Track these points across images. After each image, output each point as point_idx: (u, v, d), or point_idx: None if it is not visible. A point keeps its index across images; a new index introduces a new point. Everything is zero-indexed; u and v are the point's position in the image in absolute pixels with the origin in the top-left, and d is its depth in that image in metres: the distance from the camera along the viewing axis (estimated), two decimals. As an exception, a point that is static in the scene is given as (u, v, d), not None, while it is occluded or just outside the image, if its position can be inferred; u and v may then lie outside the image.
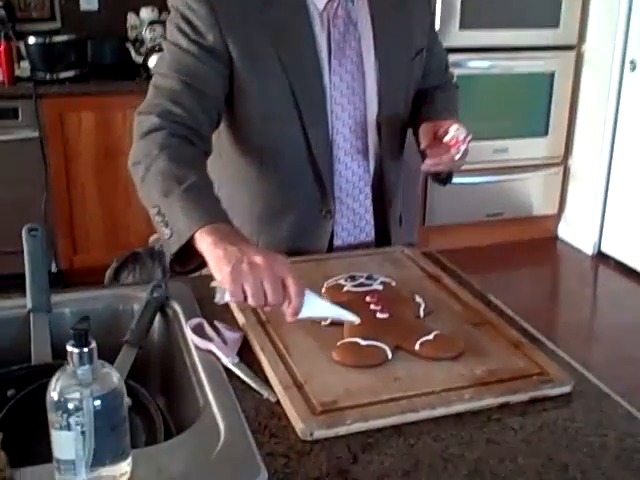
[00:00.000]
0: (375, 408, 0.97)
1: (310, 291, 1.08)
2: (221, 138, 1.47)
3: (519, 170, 4.18)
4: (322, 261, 1.43)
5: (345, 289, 1.26)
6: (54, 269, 3.52)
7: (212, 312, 1.21)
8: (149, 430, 1.12)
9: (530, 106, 4.11)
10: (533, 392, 1.02)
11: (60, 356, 1.18)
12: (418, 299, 1.23)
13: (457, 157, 1.36)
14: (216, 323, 1.18)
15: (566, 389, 1.03)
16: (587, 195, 4.22)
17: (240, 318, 1.20)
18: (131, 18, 3.69)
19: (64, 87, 3.39)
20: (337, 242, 1.50)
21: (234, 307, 1.22)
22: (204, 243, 1.09)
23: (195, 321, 1.19)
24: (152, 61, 3.37)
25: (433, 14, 1.69)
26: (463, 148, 1.35)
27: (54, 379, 0.83)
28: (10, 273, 2.80)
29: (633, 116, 3.88)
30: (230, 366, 1.09)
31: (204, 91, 1.33)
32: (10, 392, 1.10)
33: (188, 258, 1.16)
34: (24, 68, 3.37)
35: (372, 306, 1.19)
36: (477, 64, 3.90)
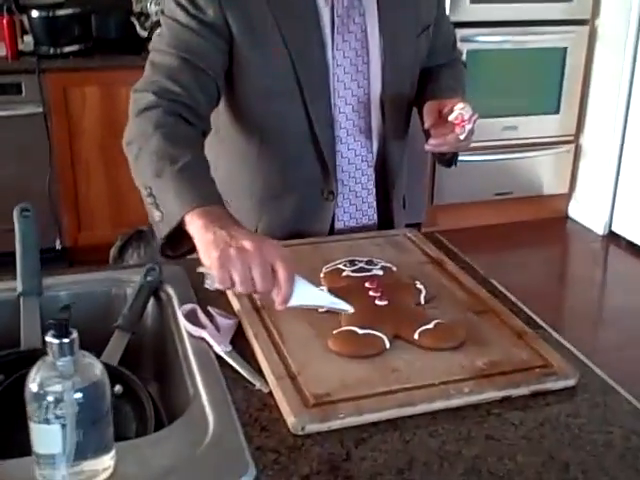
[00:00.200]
0: (370, 401, 0.93)
1: (301, 278, 1.04)
2: (220, 115, 1.43)
3: (529, 148, 4.11)
4: (322, 244, 1.39)
5: (344, 274, 1.22)
6: (58, 246, 3.50)
7: (207, 297, 1.17)
8: (140, 418, 1.10)
9: (541, 82, 4.04)
10: (535, 385, 0.98)
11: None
12: (419, 285, 1.18)
13: (462, 137, 1.30)
14: (210, 309, 1.14)
15: (570, 382, 0.99)
16: (599, 174, 4.15)
17: (235, 304, 1.16)
18: (136, -9, 3.63)
19: (68, 61, 3.34)
20: (338, 225, 1.46)
21: (229, 292, 1.18)
22: (194, 226, 1.05)
23: (188, 307, 1.15)
24: (157, 35, 3.32)
25: (442, -12, 1.61)
26: (469, 127, 1.30)
27: (34, 370, 0.80)
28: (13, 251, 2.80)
29: (647, 94, 3.81)
30: (222, 354, 1.05)
31: (203, 68, 1.28)
32: (-2, 378, 1.07)
33: (180, 242, 1.12)
34: (27, 42, 3.33)
35: (371, 292, 1.15)
36: (488, 39, 3.82)
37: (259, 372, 1.01)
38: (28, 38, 3.33)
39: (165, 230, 1.10)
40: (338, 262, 1.25)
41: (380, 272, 1.22)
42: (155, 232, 1.14)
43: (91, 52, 3.43)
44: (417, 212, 3.98)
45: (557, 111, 4.11)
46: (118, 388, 1.14)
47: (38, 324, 1.17)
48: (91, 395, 0.80)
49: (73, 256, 3.54)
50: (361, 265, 1.24)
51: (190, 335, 1.10)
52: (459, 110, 1.29)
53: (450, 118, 1.30)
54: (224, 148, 1.46)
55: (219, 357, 1.05)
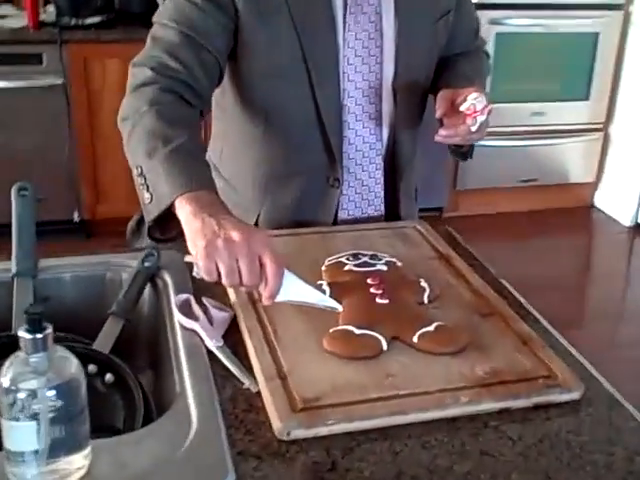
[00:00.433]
0: (361, 408, 0.89)
1: (291, 272, 1.00)
2: (225, 95, 1.38)
3: (557, 135, 4.01)
4: (327, 234, 1.34)
5: (346, 268, 1.17)
6: (76, 218, 3.49)
7: (203, 286, 1.11)
8: (129, 408, 1.07)
9: (571, 68, 3.93)
10: (537, 397, 0.93)
11: (43, 325, 1.13)
12: (423, 284, 1.13)
13: (473, 129, 1.23)
14: (204, 300, 1.10)
15: (574, 395, 0.94)
16: (627, 164, 4.04)
17: (231, 295, 1.12)
18: (160, -38, 3.58)
19: (90, 33, 3.30)
20: (342, 215, 1.41)
21: (226, 282, 1.14)
22: (183, 212, 1.01)
23: (182, 297, 1.12)
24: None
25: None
26: (481, 119, 1.23)
27: (6, 364, 0.77)
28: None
29: (681, 83, 3.70)
30: (213, 349, 1.02)
31: (205, 45, 1.23)
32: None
33: (169, 225, 1.08)
34: (49, 12, 3.29)
35: (372, 289, 1.10)
36: (517, 22, 3.71)
37: (250, 370, 0.98)
38: (50, 8, 3.29)
39: (154, 213, 1.06)
40: (341, 255, 1.21)
41: (384, 267, 1.17)
42: (144, 214, 1.10)
43: (113, 24, 3.39)
44: (439, 196, 3.92)
45: (587, 98, 4.00)
46: (109, 377, 1.12)
47: (31, 307, 1.15)
48: (65, 392, 0.77)
49: (91, 229, 3.53)
50: (365, 259, 1.19)
51: (183, 327, 1.07)
52: (472, 100, 1.22)
53: (461, 108, 1.23)
54: (230, 130, 1.42)
55: (210, 352, 1.01)
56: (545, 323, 1.11)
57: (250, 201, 1.41)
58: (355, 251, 1.22)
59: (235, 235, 0.95)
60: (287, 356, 0.98)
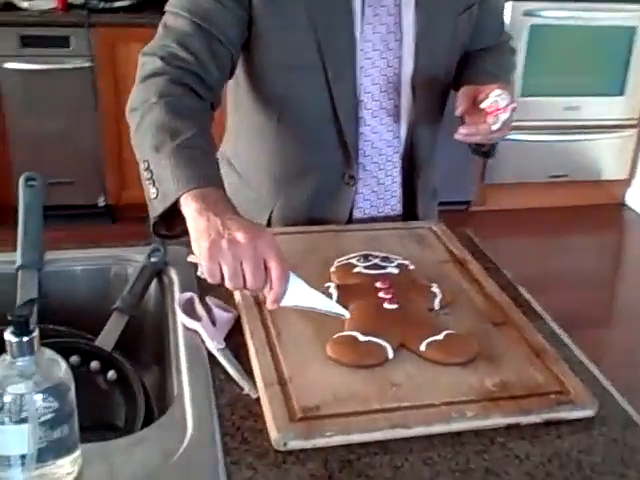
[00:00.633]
0: (362, 419, 0.85)
1: (296, 276, 0.97)
2: (239, 88, 1.35)
3: (590, 130, 3.93)
4: (340, 233, 1.30)
5: (356, 270, 1.13)
6: (101, 203, 3.49)
7: (209, 285, 1.06)
8: (130, 407, 1.06)
9: (607, 62, 3.84)
10: (548, 414, 0.89)
11: (46, 318, 1.11)
12: (434, 289, 1.09)
13: (495, 127, 1.18)
14: (208, 300, 1.07)
15: (588, 413, 0.90)
16: (661, 161, 3.96)
17: (237, 295, 1.09)
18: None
19: (117, 16, 3.30)
20: (357, 214, 1.37)
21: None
22: (188, 209, 0.98)
23: (186, 296, 1.09)
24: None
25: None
26: (504, 117, 1.18)
27: (-8, 368, 0.74)
28: (58, 204, 2.77)
29: None
30: (214, 352, 0.99)
31: (217, 36, 1.19)
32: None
33: (174, 221, 1.05)
34: (78, -5, 3.28)
35: (381, 293, 1.06)
36: (552, 14, 3.63)
37: (251, 374, 0.95)
38: (79, -9, 3.29)
39: (159, 209, 1.03)
40: (351, 256, 1.17)
41: (395, 270, 1.13)
42: (149, 210, 1.07)
43: (141, 8, 3.37)
44: (466, 190, 3.86)
45: (622, 93, 3.91)
46: (111, 374, 1.10)
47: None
48: (54, 396, 0.75)
49: (116, 214, 3.53)
50: (375, 261, 1.15)
51: (185, 327, 1.04)
52: (495, 97, 1.17)
53: (482, 105, 1.18)
54: (244, 124, 1.39)
55: (211, 354, 0.99)
56: (561, 333, 1.07)
57: (264, 197, 1.38)
58: (366, 252, 1.18)
59: (240, 236, 0.92)
60: (289, 361, 0.95)
